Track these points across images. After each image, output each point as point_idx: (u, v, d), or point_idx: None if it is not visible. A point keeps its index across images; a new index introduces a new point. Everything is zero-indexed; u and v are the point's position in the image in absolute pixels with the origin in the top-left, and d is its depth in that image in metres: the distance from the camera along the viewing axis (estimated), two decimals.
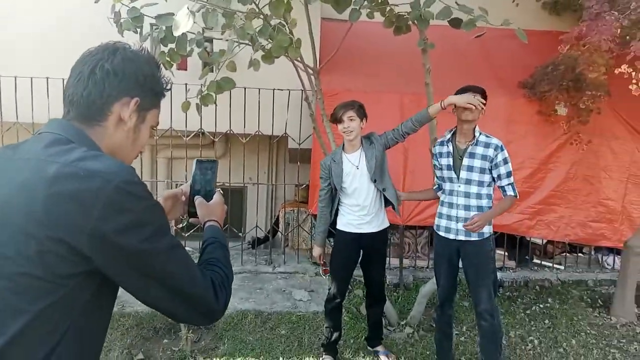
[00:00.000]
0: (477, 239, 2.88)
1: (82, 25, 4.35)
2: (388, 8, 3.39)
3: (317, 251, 3.33)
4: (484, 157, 2.81)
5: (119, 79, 0.96)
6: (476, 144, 2.83)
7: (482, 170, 2.83)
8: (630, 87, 3.37)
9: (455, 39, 4.06)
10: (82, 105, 0.96)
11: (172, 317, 0.97)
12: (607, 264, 5.21)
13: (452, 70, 5.01)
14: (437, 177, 3.17)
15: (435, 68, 4.67)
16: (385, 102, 4.68)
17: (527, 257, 5.23)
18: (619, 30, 3.13)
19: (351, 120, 3.01)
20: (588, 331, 3.95)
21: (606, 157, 4.93)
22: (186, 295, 0.92)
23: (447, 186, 2.98)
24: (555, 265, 5.17)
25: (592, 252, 5.38)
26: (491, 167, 2.83)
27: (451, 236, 2.94)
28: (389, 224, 3.26)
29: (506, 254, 5.12)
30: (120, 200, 0.83)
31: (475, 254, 2.89)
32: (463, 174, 2.86)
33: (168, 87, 1.08)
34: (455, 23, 3.06)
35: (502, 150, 2.81)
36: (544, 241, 5.23)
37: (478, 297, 2.90)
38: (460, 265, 3.03)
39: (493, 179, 2.88)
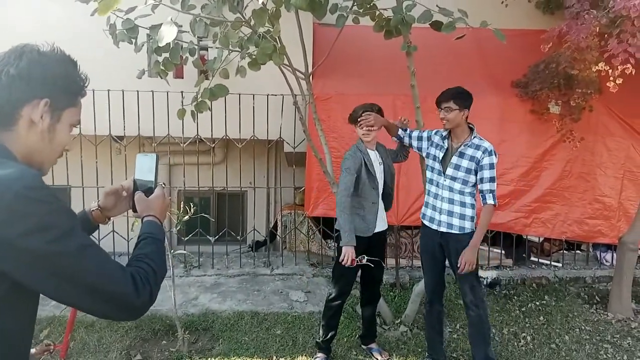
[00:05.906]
0: (458, 232, 2.97)
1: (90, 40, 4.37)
2: (377, 13, 3.46)
3: (350, 252, 2.95)
4: (472, 159, 2.90)
5: (25, 82, 0.95)
6: (468, 145, 2.93)
7: (468, 171, 2.92)
8: (607, 84, 3.40)
9: (451, 39, 4.08)
10: None
11: (92, 314, 0.97)
12: (606, 261, 5.20)
13: (447, 70, 5.07)
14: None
15: (430, 68, 4.74)
16: (378, 104, 4.73)
17: (524, 255, 5.24)
18: (597, 29, 3.18)
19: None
20: (582, 327, 3.97)
21: (601, 154, 4.95)
22: (101, 293, 0.92)
23: (434, 177, 3.09)
24: (552, 263, 5.18)
25: (590, 249, 5.38)
26: (477, 168, 2.91)
27: (434, 227, 3.05)
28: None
29: (503, 252, 5.14)
30: (22, 206, 0.84)
31: (457, 248, 2.96)
32: (449, 171, 2.97)
33: (86, 85, 1.07)
34: (436, 26, 3.12)
35: (490, 154, 2.87)
36: (541, 239, 5.24)
37: (463, 290, 3.05)
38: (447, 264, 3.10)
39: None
